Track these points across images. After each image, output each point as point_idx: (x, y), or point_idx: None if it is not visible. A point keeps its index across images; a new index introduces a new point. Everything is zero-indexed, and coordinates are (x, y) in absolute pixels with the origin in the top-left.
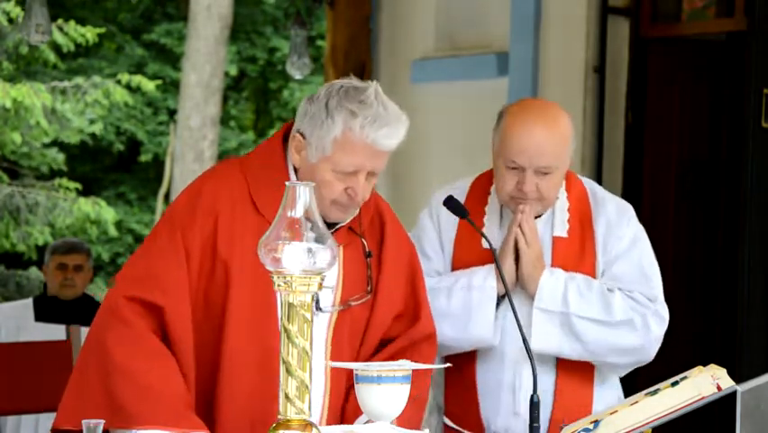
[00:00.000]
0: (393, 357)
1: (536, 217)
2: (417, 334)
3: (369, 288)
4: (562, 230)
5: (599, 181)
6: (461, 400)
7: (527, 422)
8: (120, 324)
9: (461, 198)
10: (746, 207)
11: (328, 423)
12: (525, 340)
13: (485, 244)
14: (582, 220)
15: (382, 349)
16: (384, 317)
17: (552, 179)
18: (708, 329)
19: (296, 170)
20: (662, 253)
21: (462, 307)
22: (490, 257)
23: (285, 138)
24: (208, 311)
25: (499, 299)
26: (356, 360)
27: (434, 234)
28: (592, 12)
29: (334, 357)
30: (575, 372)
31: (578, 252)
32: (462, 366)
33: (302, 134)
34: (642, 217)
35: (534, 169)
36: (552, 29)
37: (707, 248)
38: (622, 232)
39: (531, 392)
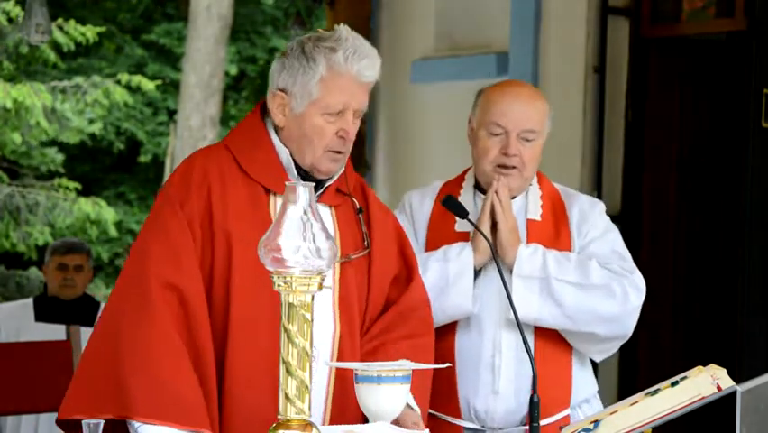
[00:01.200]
0: (394, 321)
1: (511, 198)
2: (413, 299)
3: (365, 242)
4: (535, 214)
5: (599, 181)
6: (439, 381)
7: (506, 401)
8: (142, 313)
9: (435, 195)
10: (746, 207)
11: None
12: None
13: (457, 229)
14: (555, 207)
15: (384, 314)
16: (383, 275)
17: (533, 147)
18: (709, 329)
19: (278, 133)
20: (663, 253)
21: (439, 278)
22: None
23: (261, 113)
24: (214, 282)
25: (476, 275)
26: (363, 322)
27: (407, 223)
28: (592, 12)
29: (343, 314)
30: (553, 344)
31: (552, 234)
32: (441, 343)
33: (283, 90)
34: (642, 218)
35: (518, 132)
36: (552, 29)
37: (707, 248)
38: (596, 220)
39: (511, 369)
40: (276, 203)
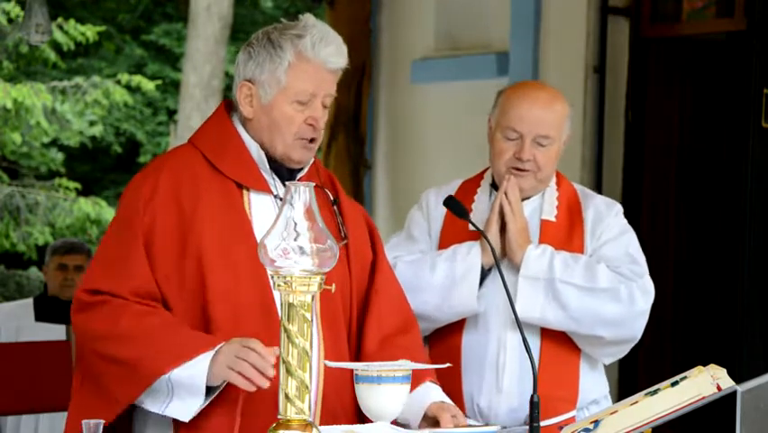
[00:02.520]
0: (382, 315)
1: (526, 199)
2: (386, 281)
3: (342, 233)
4: (550, 214)
5: (599, 181)
6: (445, 378)
7: (510, 399)
8: (87, 310)
9: (453, 193)
10: (746, 207)
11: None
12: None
13: (471, 227)
14: (571, 208)
15: (370, 307)
16: (361, 262)
17: (548, 151)
18: (709, 329)
19: (247, 126)
20: (663, 252)
21: (446, 277)
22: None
23: (227, 110)
24: (187, 281)
25: (485, 274)
26: (350, 311)
27: (422, 221)
28: (592, 12)
29: (324, 308)
30: (560, 344)
31: (566, 235)
32: (448, 341)
33: (250, 80)
34: (642, 217)
35: (532, 137)
36: (552, 29)
37: (707, 248)
38: (611, 221)
39: (515, 368)
40: (250, 198)
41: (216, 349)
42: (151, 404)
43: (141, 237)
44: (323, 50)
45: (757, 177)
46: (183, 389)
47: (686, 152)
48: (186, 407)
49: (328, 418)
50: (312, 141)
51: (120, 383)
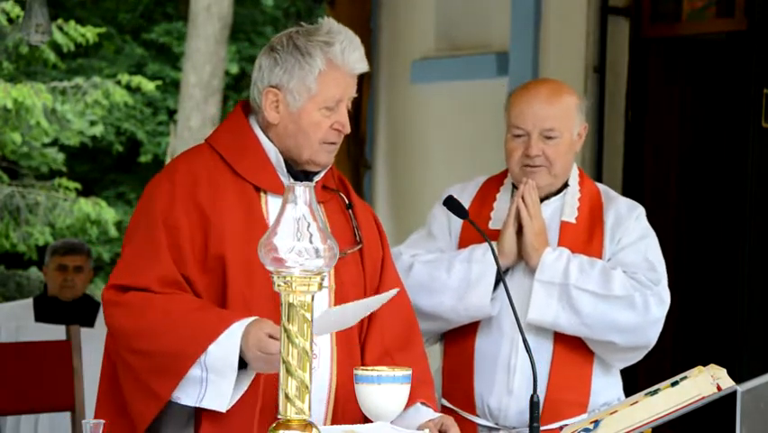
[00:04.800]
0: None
1: (546, 198)
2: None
3: (357, 237)
4: (570, 216)
5: (599, 181)
6: (458, 376)
7: (519, 401)
8: (113, 308)
9: (475, 190)
10: (746, 207)
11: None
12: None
13: (491, 226)
14: (592, 210)
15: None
16: (374, 264)
17: (557, 145)
18: (709, 329)
19: (268, 131)
20: (663, 252)
21: (462, 279)
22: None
23: (244, 112)
24: (213, 282)
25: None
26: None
27: (444, 219)
28: (592, 12)
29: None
30: (573, 348)
31: (585, 238)
32: (462, 341)
33: (276, 86)
34: None
35: (538, 132)
36: (552, 29)
37: (707, 248)
38: (631, 225)
39: (526, 370)
40: (267, 201)
41: (246, 326)
42: (187, 397)
43: (163, 230)
44: (350, 56)
45: (757, 177)
46: (216, 371)
47: (686, 152)
48: (221, 394)
49: (340, 418)
50: (334, 143)
51: (158, 376)
